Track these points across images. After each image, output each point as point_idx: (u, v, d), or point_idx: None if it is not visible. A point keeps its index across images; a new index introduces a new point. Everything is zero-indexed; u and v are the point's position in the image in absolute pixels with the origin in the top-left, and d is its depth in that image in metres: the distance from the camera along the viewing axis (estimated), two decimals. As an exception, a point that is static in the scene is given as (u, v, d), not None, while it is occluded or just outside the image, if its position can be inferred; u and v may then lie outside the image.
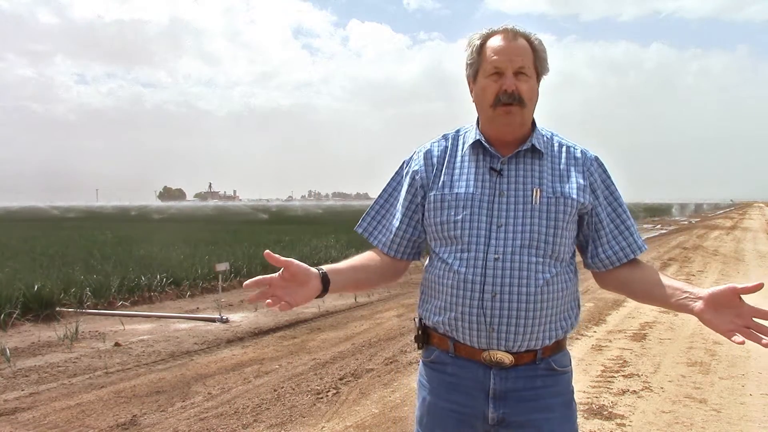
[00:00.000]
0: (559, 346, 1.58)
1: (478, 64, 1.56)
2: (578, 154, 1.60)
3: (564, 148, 1.61)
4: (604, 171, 1.62)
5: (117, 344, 6.03)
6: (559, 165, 1.59)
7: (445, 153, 1.65)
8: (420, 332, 1.64)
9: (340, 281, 1.57)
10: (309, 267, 1.52)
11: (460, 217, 1.55)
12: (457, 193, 1.57)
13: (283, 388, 4.56)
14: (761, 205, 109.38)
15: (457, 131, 1.69)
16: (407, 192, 1.67)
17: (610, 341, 5.93)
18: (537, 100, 1.58)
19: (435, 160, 1.64)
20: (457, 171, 1.61)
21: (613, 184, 1.63)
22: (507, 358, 1.51)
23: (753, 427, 3.76)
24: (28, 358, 5.56)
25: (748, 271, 11.79)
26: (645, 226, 30.58)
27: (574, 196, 1.55)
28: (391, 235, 1.68)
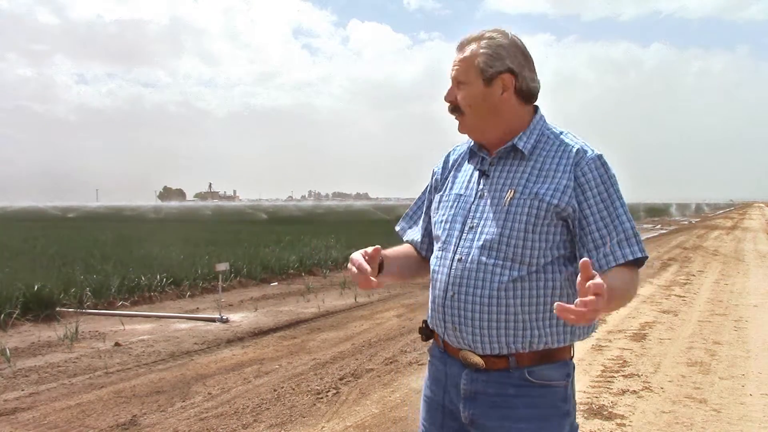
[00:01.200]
0: (544, 357, 1.49)
1: None
2: (573, 153, 1.50)
3: (562, 147, 1.52)
4: (606, 171, 1.49)
5: (117, 344, 6.03)
6: (546, 165, 1.50)
7: (461, 156, 1.71)
8: (423, 325, 1.69)
9: (389, 270, 1.62)
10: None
11: (445, 217, 1.60)
12: (450, 195, 1.63)
13: (283, 388, 4.56)
14: (761, 205, 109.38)
15: None
16: (429, 193, 1.78)
17: (610, 341, 5.93)
18: (486, 103, 1.53)
19: (450, 163, 1.72)
20: (460, 173, 1.66)
21: (613, 185, 1.49)
22: (478, 361, 1.50)
23: (753, 427, 3.76)
24: (28, 358, 5.56)
25: (748, 270, 11.79)
26: (645, 225, 30.58)
27: (548, 198, 1.46)
28: (419, 234, 1.77)
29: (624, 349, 5.64)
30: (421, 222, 1.78)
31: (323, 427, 3.80)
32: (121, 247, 14.85)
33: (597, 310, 1.15)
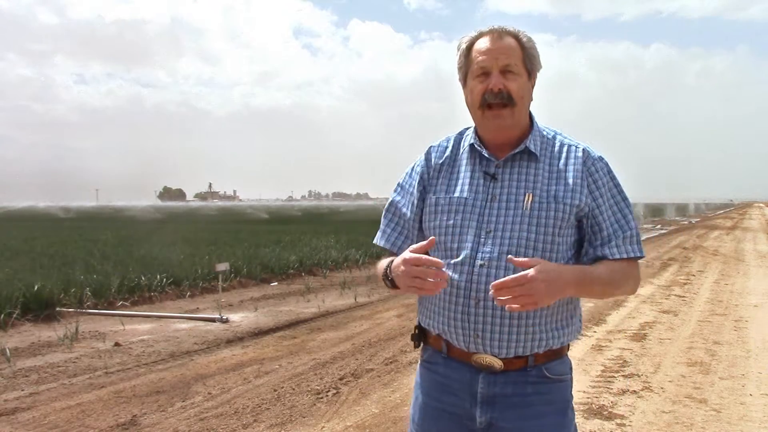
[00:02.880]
0: (555, 354, 1.54)
1: (466, 67, 1.55)
2: (579, 153, 1.54)
3: (565, 148, 1.56)
4: (609, 171, 1.55)
5: (117, 344, 6.03)
6: (557, 167, 1.53)
7: (447, 155, 1.63)
8: (416, 331, 1.65)
9: None
10: None
11: (451, 222, 1.54)
12: (451, 198, 1.56)
13: (283, 388, 4.56)
14: (761, 205, 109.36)
15: (461, 133, 1.66)
16: (410, 195, 1.66)
17: (610, 341, 5.93)
18: (531, 99, 1.56)
19: (434, 161, 1.63)
20: (455, 175, 1.59)
21: (618, 185, 1.56)
22: (497, 363, 1.49)
23: (753, 427, 3.76)
24: (28, 358, 5.56)
25: (748, 270, 11.78)
26: (645, 226, 30.57)
27: (568, 200, 1.49)
28: (402, 236, 1.66)
29: (624, 349, 5.64)
30: (405, 217, 1.66)
31: (323, 427, 3.80)
32: (121, 247, 14.86)
33: (525, 296, 1.32)
